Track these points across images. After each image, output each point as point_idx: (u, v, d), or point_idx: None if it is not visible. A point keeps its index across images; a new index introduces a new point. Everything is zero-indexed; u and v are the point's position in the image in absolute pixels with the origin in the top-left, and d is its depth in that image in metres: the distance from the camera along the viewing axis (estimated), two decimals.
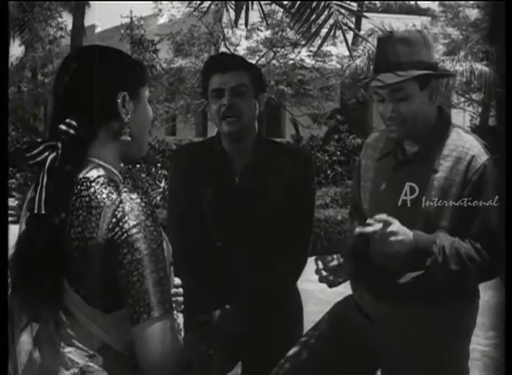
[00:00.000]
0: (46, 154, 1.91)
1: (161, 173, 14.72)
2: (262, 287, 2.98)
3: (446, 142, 2.67)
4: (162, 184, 13.28)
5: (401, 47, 2.63)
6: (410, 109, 2.63)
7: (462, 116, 22.48)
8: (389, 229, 2.50)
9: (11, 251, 1.96)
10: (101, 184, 1.90)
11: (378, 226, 2.50)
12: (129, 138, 2.00)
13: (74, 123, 1.92)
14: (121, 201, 1.86)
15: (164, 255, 1.88)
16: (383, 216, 2.52)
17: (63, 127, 1.92)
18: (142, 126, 2.05)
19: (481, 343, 5.71)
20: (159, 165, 16.32)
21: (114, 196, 1.87)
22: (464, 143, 2.66)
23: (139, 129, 2.04)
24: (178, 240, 3.04)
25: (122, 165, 2.11)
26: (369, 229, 2.50)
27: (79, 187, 1.91)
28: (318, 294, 6.40)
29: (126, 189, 1.89)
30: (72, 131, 1.92)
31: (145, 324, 1.81)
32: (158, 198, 12.71)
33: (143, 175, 14.40)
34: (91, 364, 1.88)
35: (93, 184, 1.90)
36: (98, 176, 1.92)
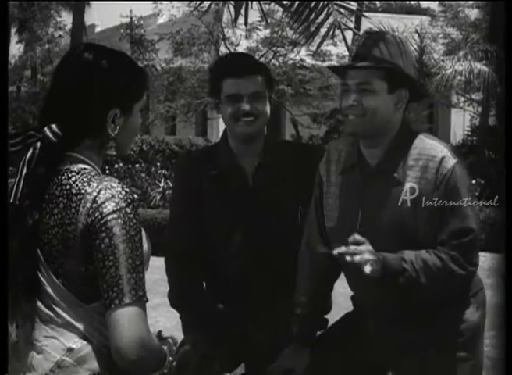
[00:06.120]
0: (26, 145, 1.90)
1: (161, 172, 14.69)
2: (268, 287, 2.97)
3: (410, 152, 2.61)
4: (162, 184, 13.25)
5: (382, 45, 2.60)
6: (372, 103, 2.58)
7: (462, 116, 22.48)
8: (362, 248, 2.42)
9: None
10: (82, 174, 1.92)
11: (354, 246, 2.42)
12: (114, 152, 2.00)
13: (58, 131, 1.91)
14: (102, 189, 1.88)
15: (141, 243, 1.88)
16: (356, 237, 2.45)
17: (47, 132, 1.91)
18: (128, 138, 2.03)
19: None
20: (159, 164, 16.30)
21: (95, 184, 1.89)
22: (429, 150, 2.60)
23: (125, 140, 2.03)
24: (182, 248, 3.02)
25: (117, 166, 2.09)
26: (345, 249, 2.41)
27: (59, 176, 1.92)
28: None
29: (107, 178, 1.91)
30: (54, 139, 1.91)
31: (116, 309, 1.81)
32: (158, 197, 12.69)
33: (142, 175, 14.37)
34: (67, 359, 1.88)
35: (73, 174, 1.92)
36: (79, 168, 1.93)
